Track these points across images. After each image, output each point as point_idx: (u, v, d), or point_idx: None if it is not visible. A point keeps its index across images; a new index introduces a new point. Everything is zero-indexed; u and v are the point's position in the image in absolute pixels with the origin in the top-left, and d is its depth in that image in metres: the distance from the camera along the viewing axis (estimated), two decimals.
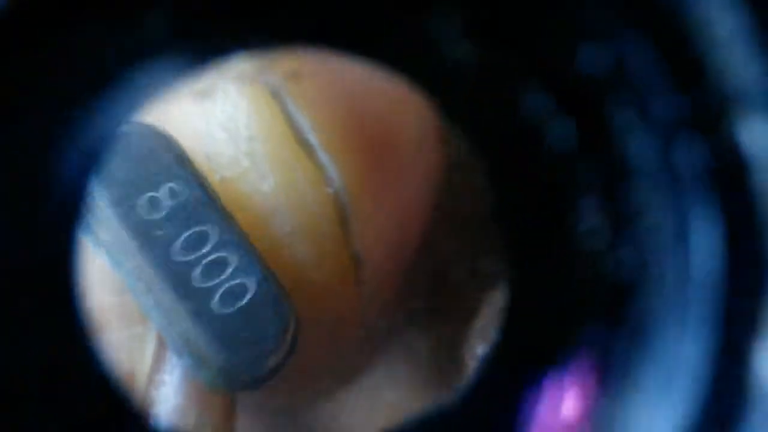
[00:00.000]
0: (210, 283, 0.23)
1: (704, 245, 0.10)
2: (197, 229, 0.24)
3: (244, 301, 0.23)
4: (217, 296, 0.23)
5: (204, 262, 0.23)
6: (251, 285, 0.23)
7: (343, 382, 0.30)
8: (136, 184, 0.24)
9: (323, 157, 0.26)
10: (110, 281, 0.24)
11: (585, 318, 0.12)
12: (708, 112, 0.10)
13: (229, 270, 0.23)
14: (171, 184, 0.24)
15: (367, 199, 0.26)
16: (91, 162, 0.17)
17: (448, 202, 0.28)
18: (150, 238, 0.23)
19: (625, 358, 0.11)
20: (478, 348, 0.24)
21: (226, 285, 0.23)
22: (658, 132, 0.10)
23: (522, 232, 0.13)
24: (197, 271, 0.23)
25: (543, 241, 0.12)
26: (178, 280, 0.23)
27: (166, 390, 0.24)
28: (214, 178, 0.25)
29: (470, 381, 0.16)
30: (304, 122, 0.25)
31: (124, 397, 0.19)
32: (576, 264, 0.12)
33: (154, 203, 0.24)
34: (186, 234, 0.24)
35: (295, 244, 0.25)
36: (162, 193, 0.24)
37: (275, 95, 0.25)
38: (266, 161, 0.25)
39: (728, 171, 0.10)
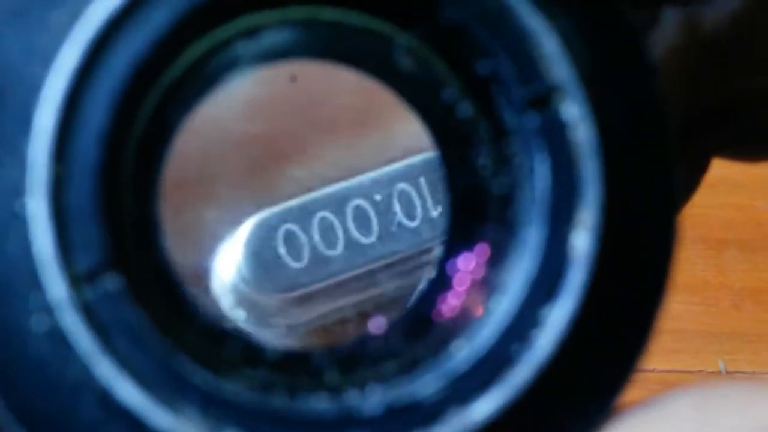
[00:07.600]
0: None
1: (542, 174, 0.18)
2: None
3: None
4: None
5: None
6: None
7: None
8: None
9: None
10: None
11: (483, 219, 0.19)
12: (542, 96, 0.18)
13: None
14: None
15: None
16: None
17: None
18: None
19: (504, 245, 0.18)
20: None
21: None
22: (516, 109, 0.19)
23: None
24: None
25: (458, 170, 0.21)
26: None
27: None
28: None
29: None
30: None
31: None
32: (476, 184, 0.20)
33: None
34: None
35: None
36: None
37: None
38: None
39: (554, 130, 0.18)
